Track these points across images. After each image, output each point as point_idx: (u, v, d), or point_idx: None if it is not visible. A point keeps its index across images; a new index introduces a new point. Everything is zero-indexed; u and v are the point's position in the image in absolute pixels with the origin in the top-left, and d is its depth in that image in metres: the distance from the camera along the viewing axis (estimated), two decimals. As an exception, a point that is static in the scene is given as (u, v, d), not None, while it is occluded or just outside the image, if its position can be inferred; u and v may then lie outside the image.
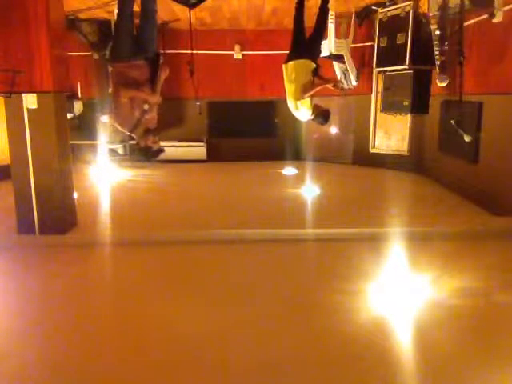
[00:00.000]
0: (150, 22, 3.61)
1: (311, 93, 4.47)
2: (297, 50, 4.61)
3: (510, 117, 4.57)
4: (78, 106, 7.89)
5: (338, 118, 8.49)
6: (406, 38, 6.12)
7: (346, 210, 5.25)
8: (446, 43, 5.39)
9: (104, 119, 8.07)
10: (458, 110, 5.23)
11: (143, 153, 3.62)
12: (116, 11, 3.72)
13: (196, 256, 4.02)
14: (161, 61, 3.63)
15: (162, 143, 9.17)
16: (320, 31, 4.72)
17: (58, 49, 4.08)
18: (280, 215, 4.98)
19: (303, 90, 4.49)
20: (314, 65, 4.51)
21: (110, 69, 3.63)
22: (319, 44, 4.78)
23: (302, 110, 4.64)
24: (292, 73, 4.56)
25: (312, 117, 4.67)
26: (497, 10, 4.61)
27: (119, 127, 3.57)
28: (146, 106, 3.50)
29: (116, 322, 2.87)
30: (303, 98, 4.52)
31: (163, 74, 3.62)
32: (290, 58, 4.62)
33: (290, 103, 4.72)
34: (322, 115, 4.63)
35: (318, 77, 4.55)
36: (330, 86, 4.63)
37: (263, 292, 3.27)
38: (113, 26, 7.31)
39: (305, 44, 4.64)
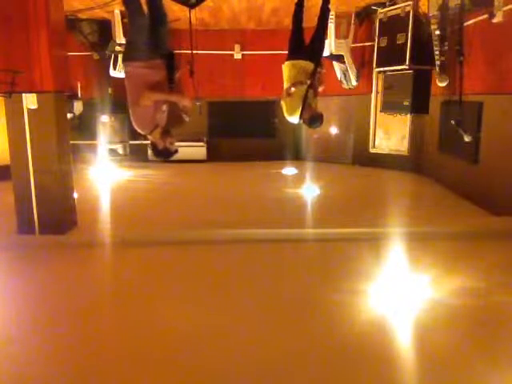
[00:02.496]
0: (160, 18, 3.60)
1: (289, 91, 4.40)
2: (295, 51, 4.58)
3: (510, 117, 4.57)
4: (78, 106, 7.89)
5: (338, 118, 8.49)
6: (406, 38, 6.12)
7: (346, 210, 5.25)
8: (446, 43, 5.40)
9: (104, 119, 8.07)
10: (458, 110, 5.23)
11: (160, 154, 3.60)
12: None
13: (196, 256, 4.02)
14: (175, 60, 3.62)
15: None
16: (322, 31, 4.68)
17: (58, 49, 4.08)
18: (280, 215, 4.99)
19: (286, 89, 4.47)
20: (312, 65, 4.46)
21: (126, 69, 3.55)
22: (321, 44, 4.72)
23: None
24: (285, 71, 4.56)
25: (301, 121, 4.56)
26: (497, 9, 4.61)
27: (138, 129, 3.56)
28: (164, 108, 3.49)
29: (116, 321, 2.87)
30: (284, 97, 4.46)
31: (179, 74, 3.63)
32: (288, 58, 4.60)
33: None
34: (311, 119, 4.44)
35: (315, 77, 4.47)
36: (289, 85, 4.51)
37: (263, 292, 3.27)
38: (111, 25, 7.32)
39: (303, 45, 4.62)
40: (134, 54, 3.50)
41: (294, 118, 4.49)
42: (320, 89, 4.49)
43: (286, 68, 4.55)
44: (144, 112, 3.47)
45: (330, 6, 4.68)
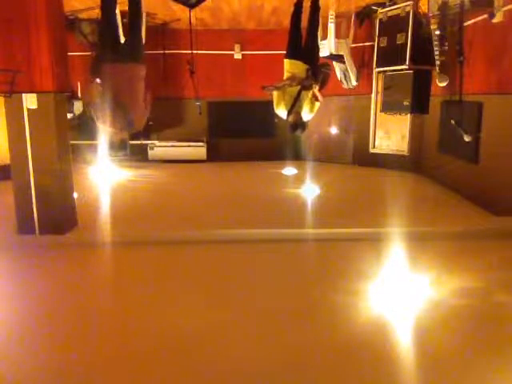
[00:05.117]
0: None
1: (278, 86, 4.41)
2: (292, 50, 4.58)
3: (510, 117, 4.57)
4: (77, 106, 7.88)
5: (338, 118, 8.49)
6: (406, 38, 6.12)
7: (346, 210, 5.25)
8: (446, 43, 5.40)
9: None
10: (458, 109, 5.23)
11: (126, 149, 3.92)
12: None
13: (196, 256, 4.02)
14: None
15: (163, 143, 9.25)
16: (313, 32, 4.65)
17: (58, 49, 4.08)
18: (280, 215, 4.98)
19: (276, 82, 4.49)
20: (306, 67, 4.44)
21: (135, 70, 3.75)
22: (315, 45, 4.70)
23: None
24: (285, 67, 4.57)
25: (287, 118, 4.56)
26: (497, 9, 4.61)
27: (135, 125, 3.76)
28: None
29: (116, 321, 2.87)
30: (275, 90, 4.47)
31: None
32: (285, 56, 4.62)
33: None
34: (293, 126, 4.47)
35: (310, 79, 4.44)
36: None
37: (263, 292, 3.27)
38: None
39: (301, 45, 4.62)
40: (139, 56, 3.66)
41: (281, 113, 4.53)
42: (317, 92, 4.47)
43: (286, 64, 4.58)
44: (145, 110, 3.61)
45: (319, 5, 4.66)
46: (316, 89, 4.46)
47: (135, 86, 3.67)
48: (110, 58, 3.63)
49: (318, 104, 4.53)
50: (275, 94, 4.48)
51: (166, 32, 8.13)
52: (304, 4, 4.69)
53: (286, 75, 4.57)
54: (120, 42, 3.83)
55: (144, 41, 4.41)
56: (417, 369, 2.33)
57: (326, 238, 4.34)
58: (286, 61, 4.58)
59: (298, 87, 4.37)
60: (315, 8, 4.62)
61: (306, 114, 4.52)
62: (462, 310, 2.94)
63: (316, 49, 4.74)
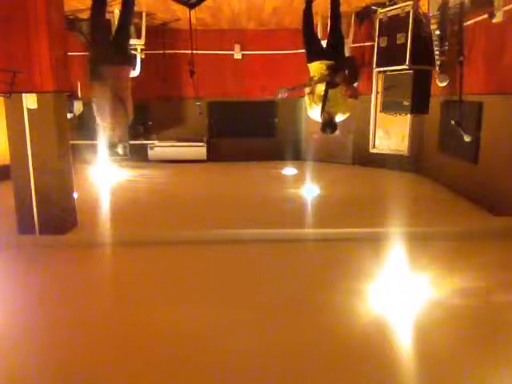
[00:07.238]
0: None
1: (289, 88, 4.39)
2: (310, 54, 4.53)
3: (510, 117, 4.57)
4: (77, 106, 7.88)
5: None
6: (406, 38, 6.12)
7: (346, 210, 5.25)
8: (446, 43, 5.39)
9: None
10: (458, 109, 5.23)
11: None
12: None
13: (196, 256, 4.02)
14: None
15: (163, 143, 9.29)
16: (336, 28, 4.57)
17: (58, 49, 4.08)
18: (280, 215, 4.98)
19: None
20: (328, 63, 4.34)
21: (130, 72, 4.44)
22: (338, 41, 4.60)
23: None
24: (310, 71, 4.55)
25: (321, 119, 4.49)
26: (497, 9, 4.61)
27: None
28: None
29: (116, 321, 2.87)
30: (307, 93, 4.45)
31: None
32: (308, 61, 4.54)
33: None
34: (323, 125, 4.42)
35: (336, 75, 4.32)
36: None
37: (263, 292, 3.27)
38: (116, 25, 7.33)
39: (318, 47, 4.58)
40: (130, 58, 4.03)
41: (314, 116, 4.48)
42: (349, 88, 4.37)
43: (310, 69, 4.55)
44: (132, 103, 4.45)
45: (339, 1, 4.59)
46: (344, 84, 4.32)
47: (128, 84, 4.33)
48: (106, 61, 4.02)
49: (351, 101, 4.39)
50: (306, 98, 4.45)
51: (166, 32, 8.14)
52: (312, 5, 4.68)
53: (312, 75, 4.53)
54: (111, 44, 4.18)
55: (143, 41, 4.70)
56: (416, 369, 2.34)
57: (325, 237, 4.34)
58: (309, 66, 4.55)
59: (324, 85, 4.25)
60: (336, 3, 4.57)
61: (341, 115, 4.39)
62: (461, 310, 2.94)
63: (340, 44, 4.61)
